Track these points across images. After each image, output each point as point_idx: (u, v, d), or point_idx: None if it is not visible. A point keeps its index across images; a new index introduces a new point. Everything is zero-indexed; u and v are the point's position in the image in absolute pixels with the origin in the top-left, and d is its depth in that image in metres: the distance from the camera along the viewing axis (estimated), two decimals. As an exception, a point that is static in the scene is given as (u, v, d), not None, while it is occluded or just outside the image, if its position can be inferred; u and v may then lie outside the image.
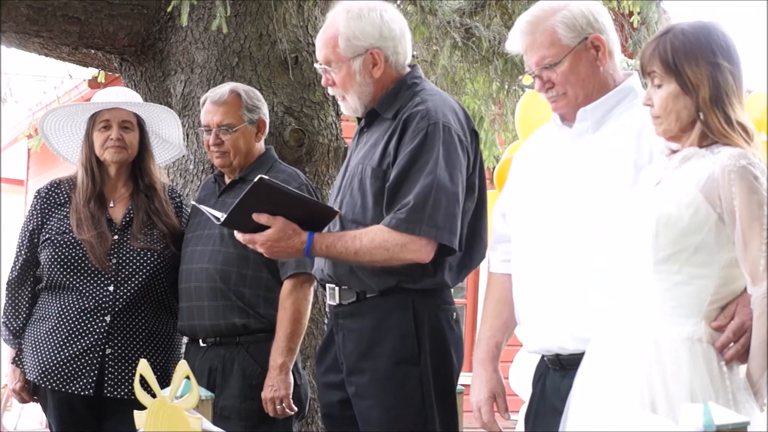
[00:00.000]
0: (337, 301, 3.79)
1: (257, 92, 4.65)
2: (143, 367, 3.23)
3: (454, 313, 3.79)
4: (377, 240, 3.62)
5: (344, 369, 3.78)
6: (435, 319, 3.72)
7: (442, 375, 3.73)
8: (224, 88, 4.57)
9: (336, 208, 3.75)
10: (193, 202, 4.43)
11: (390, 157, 3.68)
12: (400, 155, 3.66)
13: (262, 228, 3.67)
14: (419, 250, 3.62)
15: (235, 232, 3.79)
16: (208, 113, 4.52)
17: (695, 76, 2.95)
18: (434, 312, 3.73)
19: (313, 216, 3.72)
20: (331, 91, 3.87)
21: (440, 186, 3.61)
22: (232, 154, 4.49)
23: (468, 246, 3.76)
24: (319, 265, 3.86)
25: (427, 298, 3.72)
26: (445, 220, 3.62)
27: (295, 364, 4.41)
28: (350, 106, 3.83)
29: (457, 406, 3.82)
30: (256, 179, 3.67)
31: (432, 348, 3.70)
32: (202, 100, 4.61)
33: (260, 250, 3.72)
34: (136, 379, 3.25)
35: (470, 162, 3.74)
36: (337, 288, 3.79)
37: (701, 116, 2.95)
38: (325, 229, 3.76)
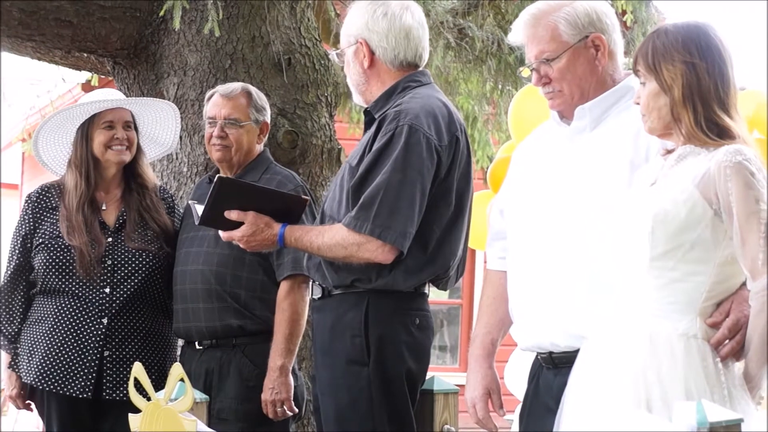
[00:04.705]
0: (311, 295, 3.92)
1: (264, 96, 4.67)
2: (137, 370, 3.23)
3: (418, 319, 3.80)
4: (336, 237, 3.70)
5: (314, 363, 3.90)
6: (389, 321, 3.75)
7: (391, 378, 3.73)
8: (236, 85, 4.64)
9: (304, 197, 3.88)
10: (189, 202, 4.44)
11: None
12: (368, 156, 3.74)
13: (239, 224, 3.79)
14: (375, 250, 3.67)
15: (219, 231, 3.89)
16: (216, 105, 4.53)
17: (670, 75, 2.98)
18: (390, 314, 3.75)
19: (285, 207, 3.83)
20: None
21: (391, 187, 3.66)
22: (234, 150, 4.49)
23: (435, 250, 3.78)
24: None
25: (384, 300, 3.75)
26: (391, 220, 3.65)
27: (292, 366, 4.41)
28: (353, 94, 3.96)
29: (410, 411, 3.78)
30: (215, 179, 3.83)
31: (379, 350, 3.72)
32: (209, 95, 4.63)
33: (240, 245, 3.85)
34: (131, 381, 3.25)
35: (444, 166, 3.75)
36: (311, 282, 3.91)
37: (673, 114, 2.97)
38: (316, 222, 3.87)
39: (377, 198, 3.66)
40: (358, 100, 3.97)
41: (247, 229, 3.79)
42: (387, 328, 3.74)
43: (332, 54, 3.99)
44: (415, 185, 3.68)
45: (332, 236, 3.71)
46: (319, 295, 3.84)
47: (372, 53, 3.86)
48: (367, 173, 3.71)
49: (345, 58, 3.92)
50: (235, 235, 3.81)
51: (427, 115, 3.74)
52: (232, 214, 3.78)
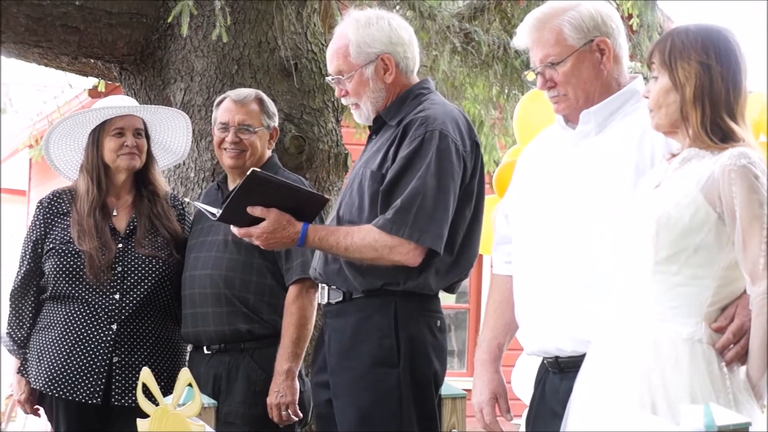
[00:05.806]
0: (326, 300, 3.88)
1: (272, 102, 4.69)
2: (146, 376, 3.24)
3: (438, 321, 3.85)
4: (368, 239, 3.71)
5: (328, 368, 3.86)
6: (416, 323, 3.78)
7: (420, 379, 3.78)
8: (247, 90, 4.64)
9: (330, 203, 3.85)
10: (190, 200, 4.45)
11: (389, 162, 3.78)
12: (397, 160, 3.75)
13: (256, 221, 3.76)
14: (407, 253, 3.71)
15: (231, 227, 3.87)
16: (229, 111, 4.53)
17: (684, 73, 2.98)
18: (416, 316, 3.79)
19: (303, 205, 3.83)
20: (344, 101, 3.98)
21: (427, 191, 3.70)
22: (249, 154, 4.51)
23: (459, 253, 3.83)
24: (313, 264, 3.97)
25: (410, 302, 3.78)
26: (429, 224, 3.70)
27: (299, 371, 4.41)
28: (363, 113, 3.94)
29: (436, 412, 3.83)
30: (248, 172, 3.79)
31: (411, 351, 3.75)
32: (218, 100, 4.64)
33: (256, 242, 3.83)
34: (139, 387, 3.27)
35: (468, 171, 3.82)
36: (326, 287, 3.88)
37: (682, 113, 2.98)
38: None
39: (415, 202, 3.69)
40: (368, 118, 3.95)
41: (268, 225, 3.77)
42: (415, 329, 3.78)
43: (332, 78, 3.94)
44: (449, 190, 3.73)
45: (363, 237, 3.72)
46: (339, 299, 3.84)
47: (396, 66, 3.89)
48: (398, 178, 3.73)
49: (357, 78, 3.88)
50: (254, 231, 3.78)
51: (452, 122, 3.80)
52: (256, 210, 3.76)
